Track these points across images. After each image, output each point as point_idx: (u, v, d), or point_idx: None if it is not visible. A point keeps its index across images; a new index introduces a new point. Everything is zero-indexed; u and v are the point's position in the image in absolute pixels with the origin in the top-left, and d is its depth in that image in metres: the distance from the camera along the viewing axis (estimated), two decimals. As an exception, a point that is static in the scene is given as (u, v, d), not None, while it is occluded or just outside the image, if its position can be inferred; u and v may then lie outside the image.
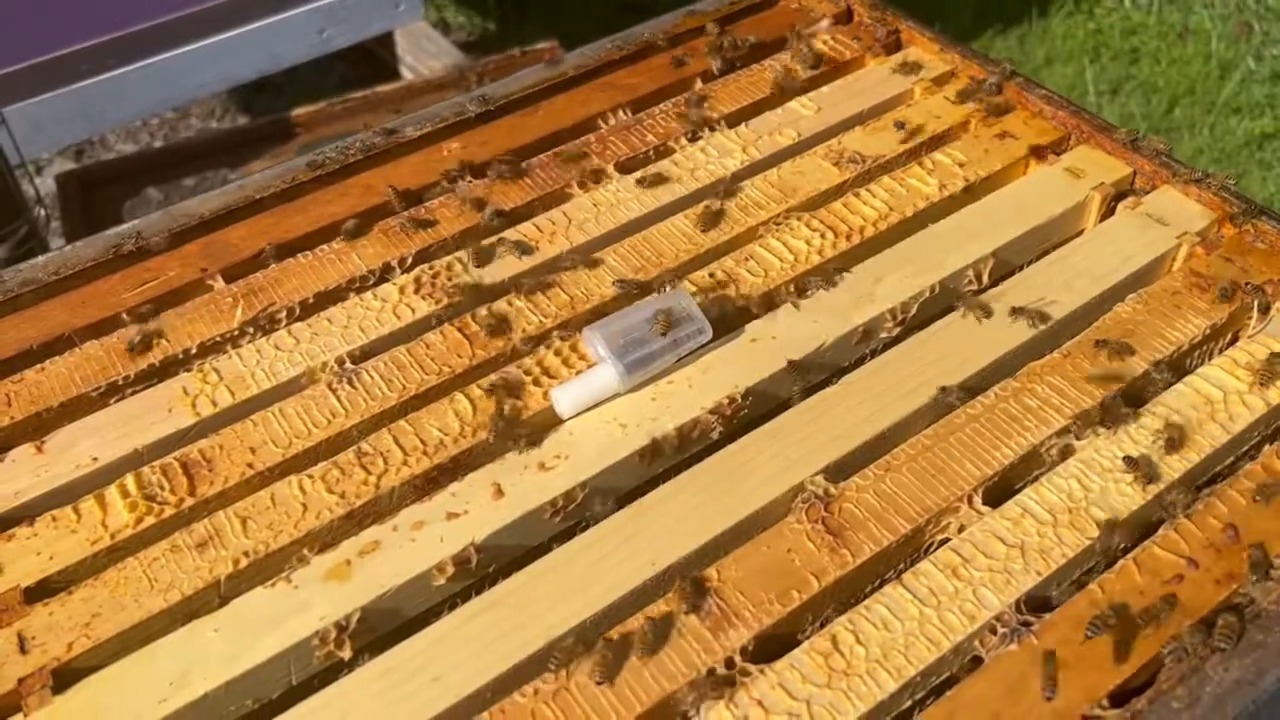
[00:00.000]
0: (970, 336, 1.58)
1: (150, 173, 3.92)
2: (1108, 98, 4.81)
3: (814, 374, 1.57)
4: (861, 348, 1.62)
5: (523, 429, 1.46)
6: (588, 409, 1.49)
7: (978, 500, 1.39)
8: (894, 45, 2.12)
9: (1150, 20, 5.18)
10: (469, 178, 1.86)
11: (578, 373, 1.53)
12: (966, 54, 2.06)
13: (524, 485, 1.41)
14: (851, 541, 1.34)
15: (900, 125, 1.92)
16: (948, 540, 1.35)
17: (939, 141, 1.91)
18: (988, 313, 1.60)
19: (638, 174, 1.85)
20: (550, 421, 1.49)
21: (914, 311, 1.64)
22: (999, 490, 1.41)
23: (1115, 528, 1.33)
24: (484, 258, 1.72)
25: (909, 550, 1.37)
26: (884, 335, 1.63)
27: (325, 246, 1.76)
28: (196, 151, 3.98)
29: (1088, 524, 1.35)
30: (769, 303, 1.63)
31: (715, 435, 1.50)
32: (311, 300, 1.68)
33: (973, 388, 1.51)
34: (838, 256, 1.70)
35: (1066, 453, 1.43)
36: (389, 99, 4.01)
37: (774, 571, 1.31)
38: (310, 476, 1.43)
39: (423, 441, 1.47)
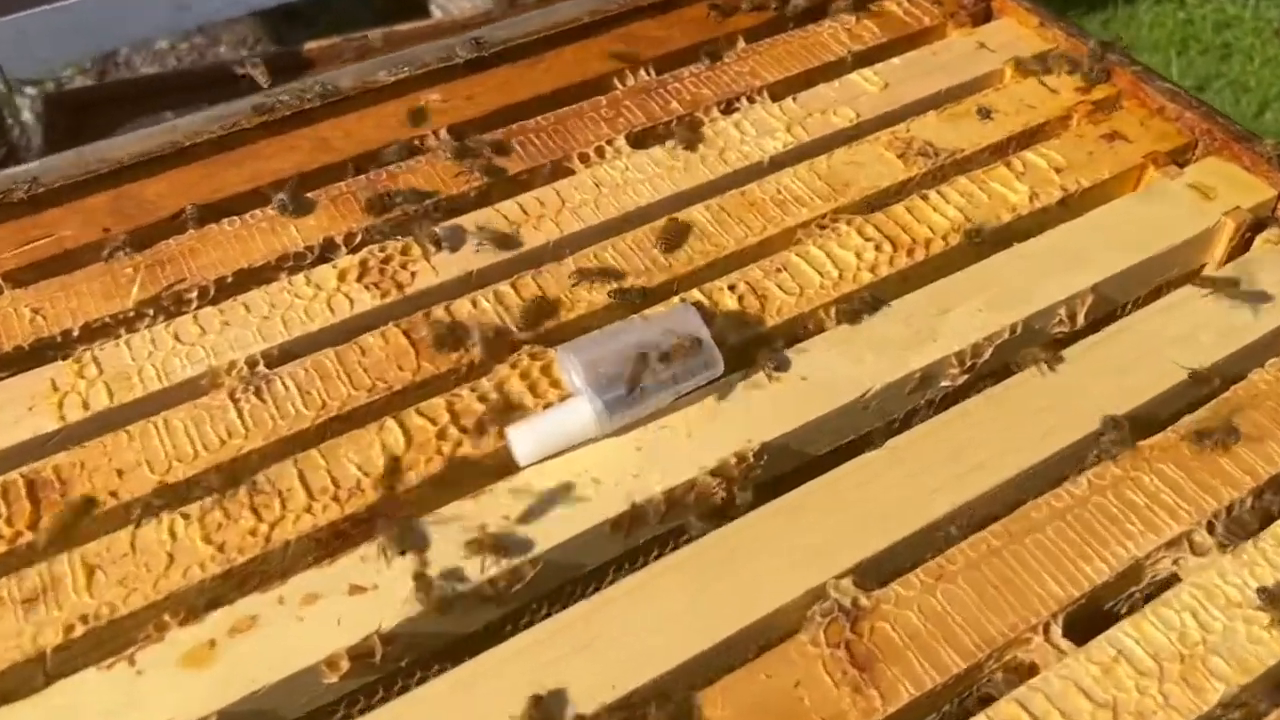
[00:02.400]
0: (1058, 397, 1.22)
1: (153, 98, 3.63)
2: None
3: (852, 431, 1.23)
4: (916, 398, 1.29)
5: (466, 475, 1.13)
6: (553, 455, 1.16)
7: (1056, 631, 1.05)
8: (983, 15, 1.78)
9: (1245, 15, 4.83)
10: (446, 138, 1.53)
11: (546, 405, 1.19)
12: (1071, 31, 1.69)
13: (456, 555, 1.07)
14: (883, 679, 1.00)
15: (985, 113, 1.55)
16: (1014, 684, 1.01)
17: (1032, 137, 1.56)
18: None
19: (653, 149, 1.51)
20: (503, 468, 1.15)
21: (987, 356, 1.30)
22: (1086, 619, 1.06)
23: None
24: (449, 242, 1.39)
25: (959, 692, 1.03)
26: (946, 384, 1.29)
27: (258, 212, 1.44)
28: (200, 81, 3.67)
29: (1205, 681, 1.00)
30: (802, 330, 1.32)
31: (716, 503, 1.16)
32: (230, 279, 1.38)
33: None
34: (895, 275, 1.37)
35: (1179, 573, 1.09)
36: (408, 38, 3.66)
37: (775, 712, 0.98)
38: (185, 517, 1.11)
39: (335, 482, 1.14)
